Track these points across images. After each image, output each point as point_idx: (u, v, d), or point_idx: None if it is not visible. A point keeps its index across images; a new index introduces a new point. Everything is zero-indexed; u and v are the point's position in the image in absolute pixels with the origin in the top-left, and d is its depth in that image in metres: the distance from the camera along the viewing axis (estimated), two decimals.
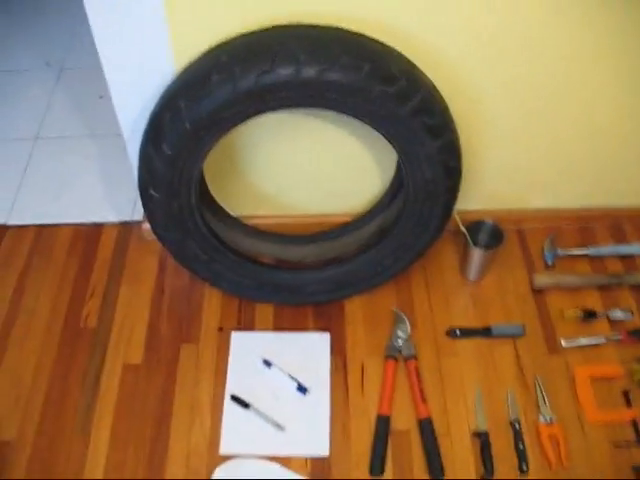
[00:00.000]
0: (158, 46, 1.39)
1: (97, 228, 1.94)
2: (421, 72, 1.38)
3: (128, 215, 1.94)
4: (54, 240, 1.92)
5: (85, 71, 2.39)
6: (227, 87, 1.26)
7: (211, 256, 1.60)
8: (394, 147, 1.42)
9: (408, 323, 1.70)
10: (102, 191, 2.02)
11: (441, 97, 1.40)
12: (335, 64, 1.25)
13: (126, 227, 1.93)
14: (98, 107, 2.25)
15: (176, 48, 1.40)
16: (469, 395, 1.60)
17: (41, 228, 1.95)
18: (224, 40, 1.35)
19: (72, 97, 2.32)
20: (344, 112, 1.36)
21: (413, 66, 1.36)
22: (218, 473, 1.48)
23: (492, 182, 1.79)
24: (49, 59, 2.47)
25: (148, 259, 1.85)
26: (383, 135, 1.41)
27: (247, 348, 1.67)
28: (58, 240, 1.92)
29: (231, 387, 1.61)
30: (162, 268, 1.83)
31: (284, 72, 1.25)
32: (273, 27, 1.32)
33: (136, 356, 1.67)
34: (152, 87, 1.46)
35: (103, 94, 2.21)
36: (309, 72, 1.25)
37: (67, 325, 1.73)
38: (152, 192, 1.43)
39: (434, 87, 1.39)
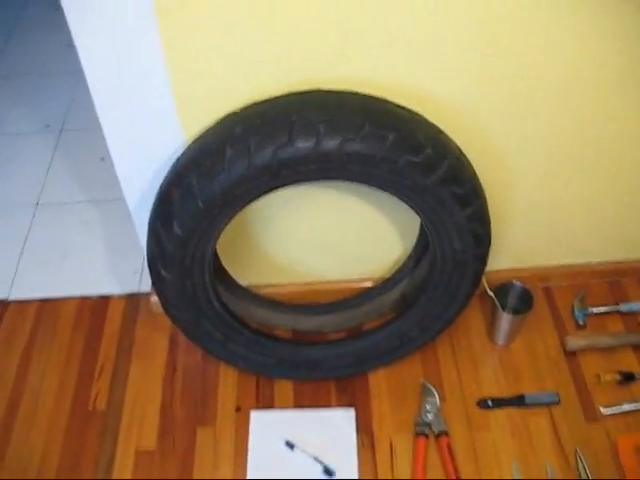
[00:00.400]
0: (163, 113, 1.30)
1: (103, 301, 1.85)
2: (447, 137, 1.30)
3: (135, 286, 1.85)
4: (58, 315, 1.82)
5: (85, 133, 2.32)
6: (242, 162, 1.18)
7: (226, 334, 1.50)
8: (420, 217, 1.34)
9: (437, 395, 1.60)
10: (106, 261, 1.93)
11: (469, 162, 1.32)
12: (358, 134, 1.18)
13: (133, 299, 1.84)
14: (99, 170, 2.17)
15: (183, 116, 1.32)
16: (506, 471, 1.50)
17: (44, 302, 1.85)
18: (237, 108, 1.27)
19: (72, 160, 2.25)
20: (367, 183, 1.28)
21: (439, 131, 1.28)
22: None
23: (517, 241, 1.70)
24: (49, 121, 2.40)
25: (158, 334, 1.75)
26: (409, 205, 1.32)
27: (268, 428, 1.57)
28: (62, 314, 1.82)
29: (252, 472, 1.50)
30: (173, 343, 1.74)
31: (303, 145, 1.17)
32: (289, 94, 1.25)
33: (149, 441, 1.57)
34: (158, 155, 1.38)
35: (104, 156, 2.14)
36: (330, 144, 1.17)
37: (75, 408, 1.63)
38: (163, 272, 1.34)
39: (461, 152, 1.31)
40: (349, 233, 1.63)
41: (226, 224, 1.31)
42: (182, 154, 1.29)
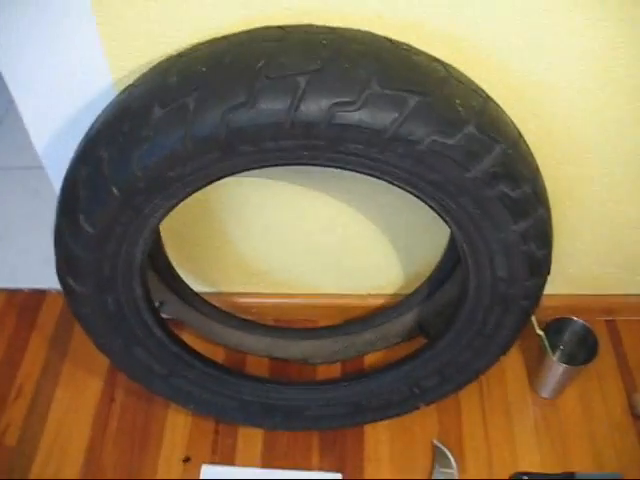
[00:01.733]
0: (85, 57, 0.89)
1: (36, 296, 1.45)
2: (500, 110, 0.85)
3: None
4: None
5: None
6: (176, 130, 0.76)
7: (171, 368, 1.09)
8: (451, 228, 0.91)
9: (454, 463, 1.18)
10: (45, 248, 1.52)
11: (531, 155, 0.88)
12: (359, 95, 0.74)
13: None
14: None
15: (112, 60, 0.90)
16: None
17: None
18: (181, 50, 0.84)
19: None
20: (371, 173, 0.84)
21: (488, 99, 0.83)
22: None
23: (578, 261, 1.27)
24: None
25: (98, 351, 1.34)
26: (435, 210, 0.89)
27: None
28: None
29: None
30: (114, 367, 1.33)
31: (270, 107, 0.74)
32: (260, 29, 0.81)
33: None
34: (82, 118, 0.96)
35: None
36: (313, 108, 0.74)
37: None
38: (73, 284, 0.93)
39: (520, 136, 0.86)
40: (351, 232, 1.20)
41: (161, 219, 0.89)
42: (98, 116, 0.86)
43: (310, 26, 0.82)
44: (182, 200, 0.87)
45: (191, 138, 0.75)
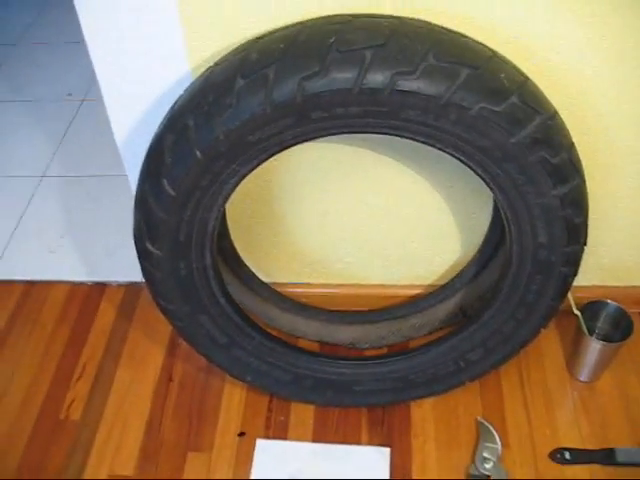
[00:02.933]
0: (167, 46, 1.01)
1: (98, 288, 1.55)
2: (538, 88, 0.95)
3: (137, 275, 1.52)
4: (44, 301, 1.53)
5: None
6: (257, 96, 0.86)
7: (231, 337, 1.17)
8: (495, 195, 0.99)
9: (498, 439, 1.24)
10: (108, 243, 1.63)
11: (567, 129, 0.97)
12: (418, 67, 0.84)
13: (133, 289, 1.53)
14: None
15: (191, 48, 1.01)
16: None
17: (31, 285, 1.57)
18: (259, 34, 0.95)
19: (90, 131, 1.97)
20: (426, 141, 0.94)
21: (527, 78, 0.93)
22: None
23: (613, 251, 1.34)
24: (71, 90, 2.14)
25: (157, 334, 1.44)
26: (481, 177, 0.98)
27: (276, 463, 1.23)
28: (48, 301, 1.53)
29: None
30: (173, 347, 1.42)
31: (341, 76, 0.84)
32: (330, 16, 0.92)
33: (127, 465, 1.25)
34: (158, 105, 1.07)
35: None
36: (378, 77, 0.85)
37: (44, 413, 1.33)
38: (150, 247, 1.02)
39: (557, 112, 0.95)
40: (398, 223, 1.29)
41: (235, 185, 0.99)
42: (183, 92, 0.98)
43: (373, 13, 0.93)
44: (255, 167, 0.97)
45: (270, 103, 0.86)
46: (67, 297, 1.54)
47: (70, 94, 2.14)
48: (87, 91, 2.14)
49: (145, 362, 1.40)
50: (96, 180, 1.81)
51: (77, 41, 2.15)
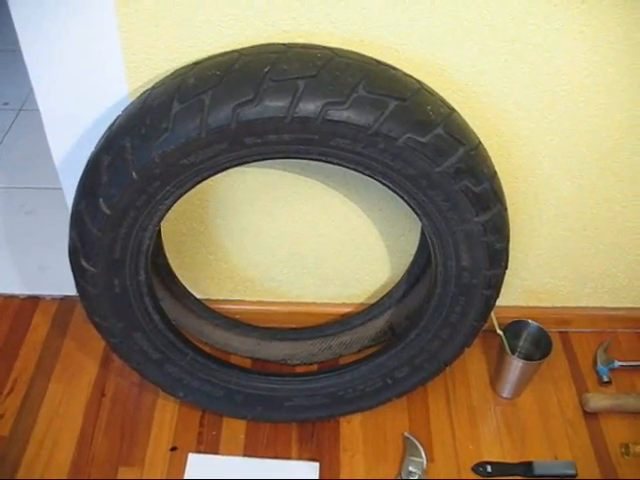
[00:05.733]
0: (106, 67, 1.02)
1: (31, 302, 1.54)
2: (463, 119, 1.00)
3: (72, 289, 1.52)
4: None
5: None
6: (192, 121, 0.89)
7: (165, 354, 1.19)
8: (422, 220, 1.04)
9: (424, 454, 1.28)
10: (42, 255, 1.62)
11: (489, 159, 1.03)
12: (348, 97, 0.89)
13: (68, 303, 1.53)
14: None
15: (130, 70, 1.03)
16: None
17: None
18: (198, 59, 0.98)
19: (29, 141, 1.95)
20: (355, 168, 0.98)
21: (453, 110, 0.99)
22: None
23: (534, 273, 1.41)
24: (8, 99, 2.12)
25: (90, 348, 1.43)
26: (408, 203, 1.03)
27: (207, 477, 1.24)
28: None
29: None
30: (106, 362, 1.42)
31: (274, 104, 0.88)
32: (266, 45, 0.96)
33: None
34: (96, 124, 1.09)
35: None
36: (309, 107, 0.89)
37: None
38: (85, 264, 1.03)
39: (480, 143, 1.01)
40: (330, 244, 1.33)
41: (170, 206, 1.01)
42: (120, 114, 0.99)
43: (307, 44, 0.97)
44: (190, 189, 0.99)
45: (205, 128, 0.89)
46: None
47: (7, 103, 2.11)
48: (25, 101, 2.11)
49: (78, 377, 1.39)
50: (31, 192, 1.79)
51: (14, 49, 2.16)
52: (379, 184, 1.03)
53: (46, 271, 1.59)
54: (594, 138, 1.16)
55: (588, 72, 1.07)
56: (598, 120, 1.14)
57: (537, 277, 1.42)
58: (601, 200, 1.27)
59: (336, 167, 1.01)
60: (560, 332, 1.51)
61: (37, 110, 1.12)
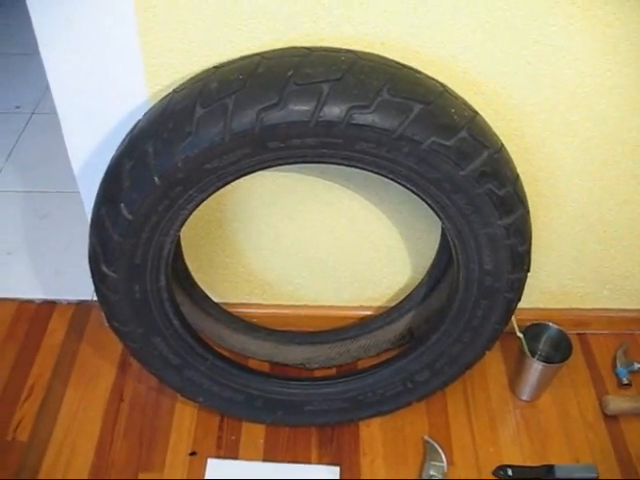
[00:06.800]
0: (126, 71, 1.02)
1: (47, 307, 1.54)
2: (487, 123, 1.00)
3: (88, 293, 1.52)
4: None
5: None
6: (216, 125, 0.89)
7: (184, 359, 1.18)
8: (444, 225, 1.03)
9: (444, 457, 1.28)
10: (58, 260, 1.62)
11: (512, 162, 1.02)
12: (373, 101, 0.88)
13: (83, 308, 1.52)
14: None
15: (150, 74, 1.02)
16: None
17: None
18: (218, 63, 0.98)
19: (42, 144, 1.95)
20: (379, 172, 0.97)
21: (476, 113, 0.98)
22: None
23: (554, 275, 1.40)
24: (20, 102, 2.12)
25: (107, 353, 1.43)
26: (431, 206, 1.02)
27: None
28: None
29: None
30: (124, 367, 1.41)
31: (298, 108, 0.87)
32: (289, 48, 0.95)
33: None
34: (118, 127, 1.08)
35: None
36: (334, 111, 0.88)
37: None
38: (105, 270, 1.03)
39: (503, 146, 1.00)
40: (349, 247, 1.32)
41: (192, 211, 1.00)
42: (141, 118, 0.99)
43: (329, 47, 0.96)
44: (212, 194, 0.99)
45: (229, 133, 0.88)
46: (15, 315, 1.52)
47: (18, 107, 2.11)
48: (37, 104, 2.11)
49: (95, 382, 1.39)
50: (45, 196, 1.79)
51: (28, 53, 2.16)
52: (399, 186, 1.02)
53: (62, 276, 1.59)
54: (615, 140, 1.15)
55: (610, 74, 1.06)
56: (619, 122, 1.13)
57: (556, 279, 1.41)
58: (621, 202, 1.26)
59: (355, 170, 1.00)
60: (578, 334, 1.50)
61: (49, 113, 1.12)
